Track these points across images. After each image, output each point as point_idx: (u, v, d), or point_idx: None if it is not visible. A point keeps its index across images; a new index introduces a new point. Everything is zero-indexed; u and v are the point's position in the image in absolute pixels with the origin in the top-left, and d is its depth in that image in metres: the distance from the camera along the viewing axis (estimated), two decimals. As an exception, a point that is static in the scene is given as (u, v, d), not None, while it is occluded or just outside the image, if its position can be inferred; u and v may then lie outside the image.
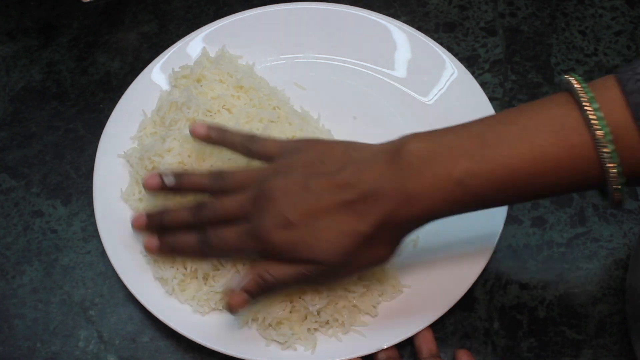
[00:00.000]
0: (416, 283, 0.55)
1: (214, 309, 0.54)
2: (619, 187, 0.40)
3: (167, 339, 0.56)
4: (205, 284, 0.54)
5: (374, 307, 0.54)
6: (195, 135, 0.52)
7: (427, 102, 0.62)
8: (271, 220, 0.46)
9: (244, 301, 0.49)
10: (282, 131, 0.57)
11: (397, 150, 0.44)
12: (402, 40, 0.64)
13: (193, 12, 0.71)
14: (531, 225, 0.59)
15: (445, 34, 0.69)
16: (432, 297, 0.54)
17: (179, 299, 0.54)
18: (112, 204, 0.58)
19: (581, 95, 0.40)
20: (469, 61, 0.67)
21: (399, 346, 0.53)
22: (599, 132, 0.39)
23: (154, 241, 0.53)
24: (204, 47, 0.64)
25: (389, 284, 0.54)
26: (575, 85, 0.40)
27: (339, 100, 0.63)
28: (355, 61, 0.65)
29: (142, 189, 0.57)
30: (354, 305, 0.53)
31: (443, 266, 0.55)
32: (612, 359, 0.54)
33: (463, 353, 0.52)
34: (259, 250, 0.48)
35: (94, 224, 0.58)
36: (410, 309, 0.54)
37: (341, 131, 0.60)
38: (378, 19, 0.65)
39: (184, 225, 0.51)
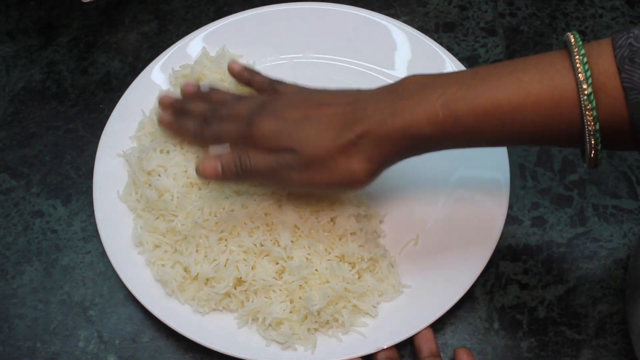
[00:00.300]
0: (416, 283, 0.55)
1: (214, 310, 0.54)
2: (595, 136, 0.41)
3: (167, 339, 0.56)
4: (205, 284, 0.54)
5: (374, 307, 0.54)
6: (231, 70, 0.58)
7: (427, 102, 0.62)
8: (266, 112, 0.50)
9: (215, 172, 0.50)
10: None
11: (397, 82, 0.48)
12: (402, 40, 0.64)
13: (193, 12, 0.71)
14: (531, 225, 0.59)
15: (445, 34, 0.69)
16: (432, 297, 0.54)
17: (179, 300, 0.54)
18: (112, 204, 0.58)
19: (573, 44, 0.42)
20: (469, 61, 0.67)
21: (399, 346, 0.53)
22: (580, 75, 0.40)
23: (168, 116, 0.57)
24: (204, 47, 0.64)
25: (389, 284, 0.54)
26: (570, 38, 0.42)
27: (339, 100, 0.63)
28: (355, 61, 0.65)
29: (140, 190, 0.57)
30: (354, 306, 0.53)
31: (443, 266, 0.55)
32: (612, 359, 0.54)
33: (463, 352, 0.52)
34: (246, 134, 0.50)
35: (94, 224, 0.58)
36: (410, 309, 0.54)
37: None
38: (378, 19, 0.65)
39: (199, 115, 0.55)
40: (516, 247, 0.58)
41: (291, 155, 0.48)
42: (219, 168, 0.50)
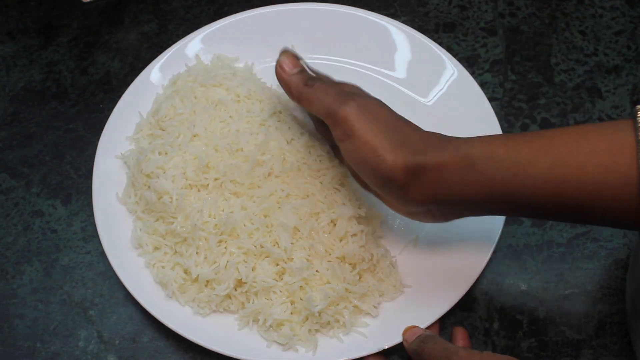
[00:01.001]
0: (416, 283, 0.55)
1: (214, 311, 0.54)
2: None
3: (167, 340, 0.56)
4: (206, 286, 0.54)
5: (375, 307, 0.54)
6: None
7: (427, 103, 0.62)
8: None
9: (290, 68, 0.52)
10: (283, 134, 0.57)
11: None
12: (402, 40, 0.64)
13: (193, 12, 0.71)
14: (531, 225, 0.59)
15: (445, 34, 0.69)
16: (432, 297, 0.54)
17: (180, 301, 0.54)
18: (111, 206, 0.58)
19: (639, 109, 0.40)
20: (469, 61, 0.67)
21: (399, 346, 0.53)
22: None
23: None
24: (197, 55, 0.64)
25: (390, 284, 0.54)
26: (638, 107, 0.40)
27: (339, 101, 0.63)
28: (355, 62, 0.65)
29: (139, 192, 0.57)
30: (355, 306, 0.53)
31: (443, 266, 0.55)
32: (612, 359, 0.54)
33: (459, 331, 0.53)
34: (334, 82, 0.52)
35: (93, 224, 0.58)
36: (410, 309, 0.54)
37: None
38: (377, 20, 0.65)
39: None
40: (516, 247, 0.58)
41: (354, 97, 0.48)
42: (295, 69, 0.52)
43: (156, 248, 0.55)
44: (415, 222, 0.57)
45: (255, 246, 0.52)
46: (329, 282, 0.52)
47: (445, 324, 0.55)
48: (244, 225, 0.53)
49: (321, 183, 0.55)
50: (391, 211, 0.58)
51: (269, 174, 0.55)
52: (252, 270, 0.52)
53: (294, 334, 0.52)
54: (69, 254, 0.60)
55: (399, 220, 0.58)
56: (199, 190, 0.55)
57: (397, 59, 0.64)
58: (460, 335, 0.53)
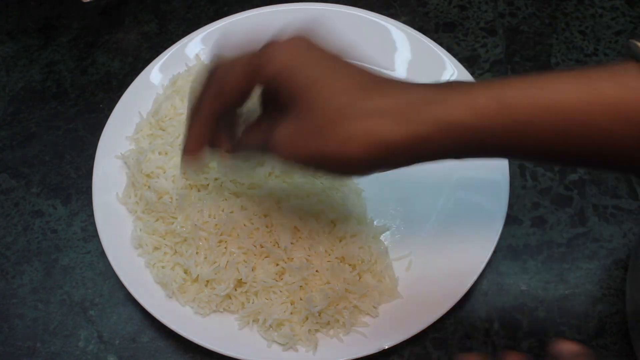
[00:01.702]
0: (416, 283, 0.55)
1: (215, 311, 0.54)
2: None
3: (167, 340, 0.56)
4: (206, 286, 0.54)
5: (375, 307, 0.54)
6: None
7: (427, 103, 0.62)
8: None
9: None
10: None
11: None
12: (402, 40, 0.64)
13: (193, 12, 0.71)
14: (531, 225, 0.59)
15: (445, 34, 0.69)
16: (432, 298, 0.54)
17: (180, 302, 0.54)
18: (111, 206, 0.58)
19: None
20: (469, 61, 0.67)
21: (400, 346, 0.53)
22: None
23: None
24: (197, 55, 0.64)
25: (389, 284, 0.54)
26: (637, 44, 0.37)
27: (339, 101, 0.63)
28: (355, 62, 0.65)
29: (139, 192, 0.57)
30: (355, 306, 0.53)
31: (443, 266, 0.55)
32: (612, 359, 0.54)
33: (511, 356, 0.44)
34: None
35: (93, 224, 0.58)
36: (410, 309, 0.54)
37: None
38: (378, 20, 0.65)
39: None
40: (516, 247, 0.58)
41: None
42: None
43: (156, 248, 0.55)
44: (415, 222, 0.58)
45: (255, 246, 0.52)
46: (328, 282, 0.52)
47: (445, 324, 0.55)
48: (244, 225, 0.53)
49: (321, 183, 0.55)
50: (391, 212, 0.58)
51: (269, 174, 0.55)
52: (252, 270, 0.52)
53: (294, 333, 0.52)
54: (69, 254, 0.60)
55: (398, 220, 0.58)
56: (199, 190, 0.55)
57: (397, 59, 0.64)
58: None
